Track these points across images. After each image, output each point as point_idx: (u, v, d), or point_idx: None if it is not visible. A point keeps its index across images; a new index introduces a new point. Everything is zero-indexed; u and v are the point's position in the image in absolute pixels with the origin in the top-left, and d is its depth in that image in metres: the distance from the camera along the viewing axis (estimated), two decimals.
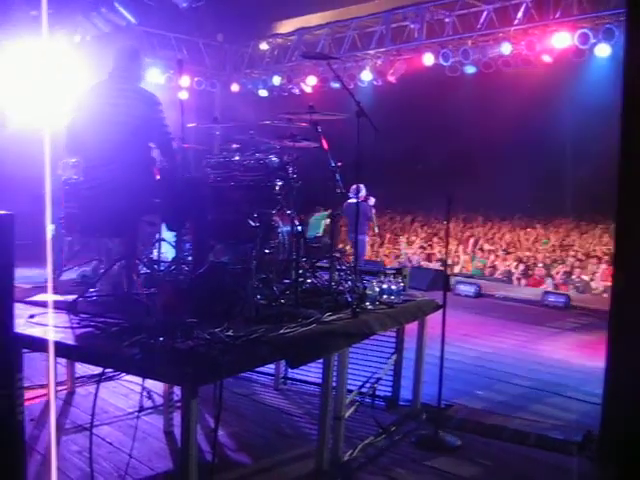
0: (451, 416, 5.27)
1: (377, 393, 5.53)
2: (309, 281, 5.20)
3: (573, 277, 15.11)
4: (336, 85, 14.45)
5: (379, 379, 5.40)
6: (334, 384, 4.32)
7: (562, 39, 10.73)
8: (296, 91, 15.55)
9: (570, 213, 22.43)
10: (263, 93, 15.94)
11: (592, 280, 14.89)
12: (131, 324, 3.75)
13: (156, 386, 5.36)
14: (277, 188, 5.10)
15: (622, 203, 4.76)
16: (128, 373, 4.98)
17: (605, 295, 13.46)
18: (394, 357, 5.52)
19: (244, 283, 4.38)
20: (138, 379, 5.05)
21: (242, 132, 5.86)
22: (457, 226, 22.72)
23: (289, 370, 5.96)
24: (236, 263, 4.91)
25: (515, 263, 16.99)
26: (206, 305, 4.10)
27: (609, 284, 14.24)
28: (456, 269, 17.09)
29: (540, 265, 16.47)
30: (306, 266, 5.21)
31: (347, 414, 4.58)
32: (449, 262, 17.89)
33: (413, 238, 20.92)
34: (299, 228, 5.08)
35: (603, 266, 15.76)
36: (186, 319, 3.62)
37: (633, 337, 4.66)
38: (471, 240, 20.12)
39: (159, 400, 5.32)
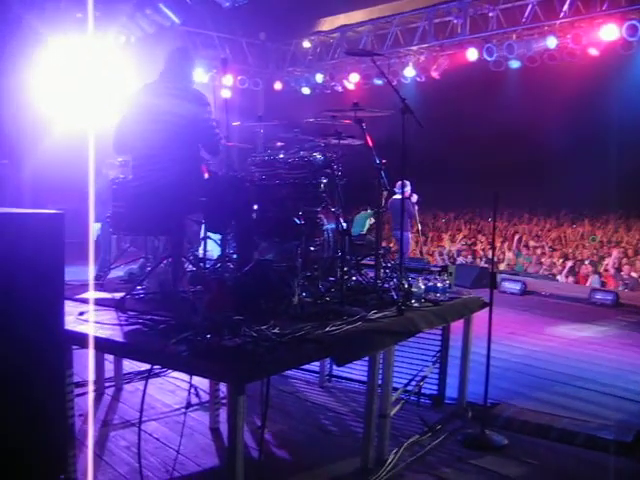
0: (497, 415, 5.21)
1: (423, 391, 5.50)
2: (354, 279, 5.19)
3: (622, 274, 14.83)
4: (379, 82, 14.41)
5: (425, 377, 5.37)
6: (380, 382, 4.31)
7: (610, 31, 10.51)
8: (339, 88, 15.54)
9: (618, 208, 21.98)
10: (306, 91, 15.96)
11: None
12: (178, 321, 3.79)
13: (203, 383, 5.41)
14: (322, 186, 5.10)
15: None
16: (175, 370, 5.04)
17: None
18: (439, 355, 5.48)
19: (290, 280, 4.39)
20: (185, 376, 5.10)
21: (286, 130, 5.87)
22: (502, 223, 22.47)
23: (334, 368, 5.96)
24: (281, 261, 4.93)
25: (561, 260, 16.74)
26: (252, 302, 4.11)
27: None
28: (501, 266, 16.90)
29: (587, 262, 16.20)
30: (351, 263, 5.20)
31: (393, 412, 4.57)
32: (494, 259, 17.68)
33: (457, 235, 20.76)
34: (344, 225, 5.07)
35: None
36: (232, 316, 3.64)
37: None
38: (516, 237, 19.88)
39: (205, 397, 5.37)
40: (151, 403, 5.33)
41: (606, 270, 15.34)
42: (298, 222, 4.83)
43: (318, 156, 5.30)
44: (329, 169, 5.16)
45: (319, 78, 15.34)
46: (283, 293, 4.32)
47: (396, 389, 4.89)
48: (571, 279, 15.10)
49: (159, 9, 10.02)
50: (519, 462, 4.49)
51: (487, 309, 5.04)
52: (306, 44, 15.49)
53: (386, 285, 5.01)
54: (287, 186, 5.07)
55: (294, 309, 4.26)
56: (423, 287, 4.89)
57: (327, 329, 3.84)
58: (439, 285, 5.04)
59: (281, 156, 5.40)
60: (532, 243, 18.40)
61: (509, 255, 17.54)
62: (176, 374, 5.84)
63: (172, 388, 5.74)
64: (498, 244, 19.74)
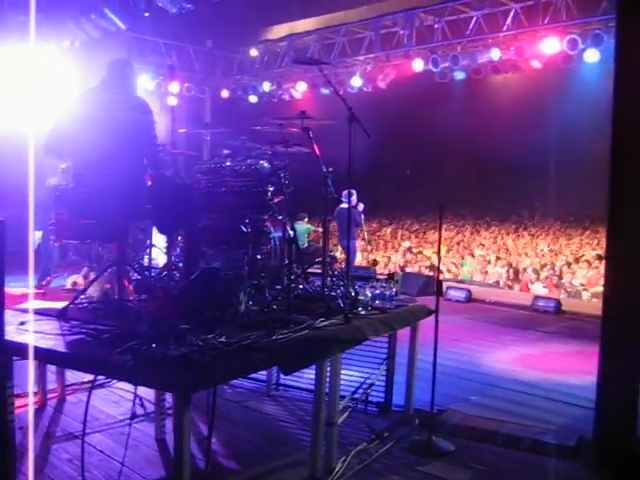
0: (444, 421, 5.25)
1: (370, 399, 5.51)
2: (301, 287, 5.19)
3: (563, 281, 15.17)
4: (326, 91, 14.49)
5: (372, 385, 5.39)
6: (327, 390, 4.30)
7: (551, 45, 10.77)
8: (286, 97, 15.58)
9: (560, 218, 22.51)
10: (253, 99, 15.94)
11: (582, 285, 14.96)
12: (122, 331, 3.72)
13: (148, 393, 5.32)
14: (269, 193, 5.09)
15: (614, 206, 4.80)
16: (120, 380, 4.95)
17: (595, 300, 13.50)
18: (386, 363, 5.51)
19: (236, 289, 4.36)
20: (130, 386, 5.01)
21: (233, 138, 5.85)
22: (448, 232, 22.77)
23: (281, 376, 5.94)
24: (228, 269, 4.89)
25: (505, 268, 17.04)
26: (198, 311, 4.07)
27: (598, 289, 14.34)
28: (446, 274, 17.11)
29: (530, 270, 16.53)
30: (298, 272, 5.19)
31: (340, 420, 4.56)
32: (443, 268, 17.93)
33: (402, 244, 20.96)
34: (291, 233, 5.06)
35: (593, 271, 15.83)
36: (178, 325, 3.60)
37: (625, 343, 4.70)
38: (461, 245, 20.17)
39: (151, 407, 5.28)
40: (95, 414, 5.21)
41: (548, 278, 15.68)
42: (245, 230, 4.81)
43: (265, 164, 5.29)
44: (276, 177, 5.15)
45: (266, 86, 15.34)
46: (230, 302, 4.28)
47: (343, 397, 4.88)
48: (514, 287, 15.39)
49: (104, 14, 9.89)
50: (466, 468, 4.53)
51: (433, 316, 5.08)
52: (253, 52, 15.47)
53: (333, 293, 5.02)
54: (234, 194, 5.05)
55: (241, 318, 4.23)
56: (370, 295, 4.91)
57: (274, 337, 3.82)
58: (386, 293, 5.07)
59: (228, 164, 5.37)
60: (477, 251, 18.69)
61: (454, 263, 17.80)
62: (121, 384, 5.72)
63: (116, 399, 5.62)
64: (443, 252, 20.01)
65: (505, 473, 4.53)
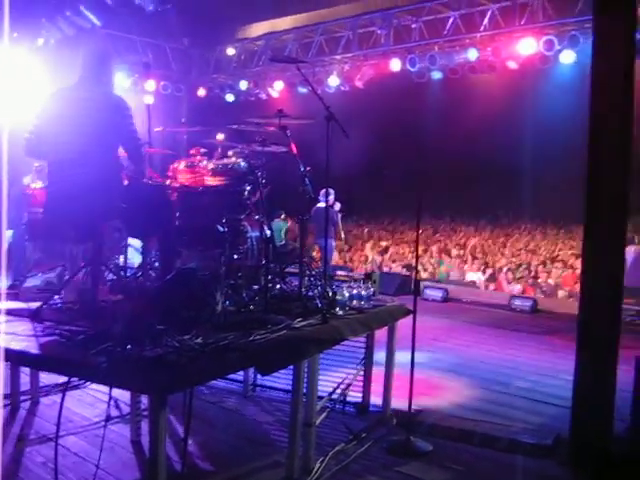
0: (421, 421, 5.25)
1: (347, 399, 5.50)
2: (278, 287, 5.16)
3: (539, 281, 15.29)
4: (303, 90, 14.45)
5: (349, 385, 5.37)
6: (304, 391, 4.28)
7: (528, 45, 10.82)
8: (263, 96, 15.51)
9: (534, 217, 22.66)
10: (230, 98, 15.86)
11: (557, 284, 15.08)
12: (97, 332, 3.66)
13: (123, 395, 5.27)
14: (246, 193, 5.05)
15: (591, 206, 4.83)
16: (95, 382, 4.88)
17: (571, 299, 13.62)
18: (364, 363, 5.49)
19: (213, 289, 4.31)
20: (105, 388, 4.94)
21: (210, 136, 5.80)
22: (425, 231, 22.84)
23: (259, 377, 5.90)
24: (204, 269, 4.84)
25: (482, 268, 17.13)
26: (174, 312, 4.02)
27: (574, 289, 14.46)
28: (423, 274, 17.16)
29: (506, 269, 16.63)
30: (275, 272, 5.16)
31: (318, 421, 4.54)
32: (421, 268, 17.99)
33: (380, 243, 20.98)
34: (268, 233, 5.03)
35: (568, 270, 15.97)
36: (154, 326, 3.55)
37: (600, 343, 4.73)
38: (438, 245, 20.23)
39: (126, 409, 5.23)
40: (69, 416, 5.15)
41: (524, 278, 15.79)
42: (222, 230, 4.76)
43: (242, 163, 5.25)
44: (253, 176, 5.11)
45: (243, 85, 15.26)
46: (206, 302, 4.24)
47: (321, 398, 4.86)
48: (491, 286, 15.48)
49: (80, 11, 9.77)
50: (444, 468, 4.54)
51: (410, 316, 5.08)
52: (230, 51, 15.37)
53: (310, 293, 4.99)
54: (210, 193, 5.00)
55: (217, 318, 4.19)
56: (347, 295, 4.89)
57: (251, 338, 3.79)
58: (363, 293, 5.05)
59: (204, 163, 5.32)
60: (454, 251, 18.77)
61: (431, 262, 17.86)
62: (95, 386, 5.65)
63: (91, 401, 5.56)
64: (420, 252, 20.06)
65: (482, 473, 4.54)
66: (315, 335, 4.17)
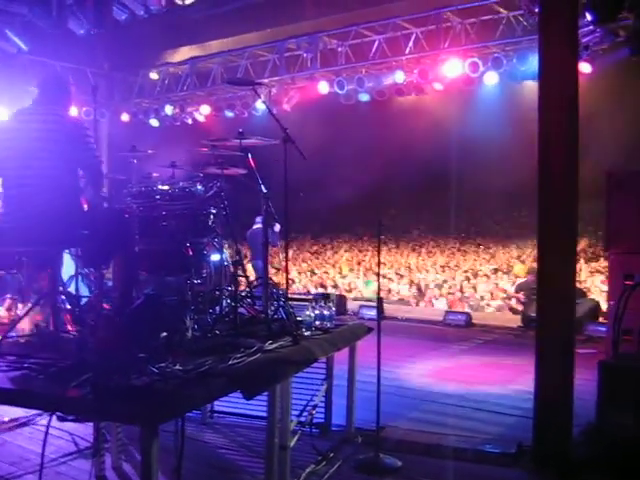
0: (386, 438, 5.28)
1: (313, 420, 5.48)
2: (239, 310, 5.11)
3: (467, 296, 15.68)
4: (230, 114, 14.41)
5: (315, 406, 5.35)
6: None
7: (453, 67, 11.11)
8: (189, 120, 15.37)
9: (457, 234, 23.24)
10: (154, 123, 15.63)
11: (483, 298, 15.51)
12: (72, 363, 3.54)
13: (77, 429, 5.10)
14: (211, 216, 4.99)
15: (543, 222, 5.02)
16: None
17: (498, 313, 14.04)
18: (325, 383, 5.49)
19: (182, 315, 4.24)
20: (57, 423, 4.74)
21: (160, 161, 5.72)
22: (349, 252, 23.09)
23: (215, 404, 5.80)
24: (163, 294, 4.74)
25: (408, 286, 17.45)
26: (147, 339, 3.93)
27: (500, 302, 14.91)
28: (352, 294, 17.32)
29: (432, 286, 17.00)
30: (235, 295, 5.11)
31: (292, 443, 4.51)
32: (346, 288, 18.15)
33: (306, 265, 21.10)
34: (226, 256, 5.00)
35: (492, 285, 16.45)
36: (136, 354, 3.46)
37: (558, 354, 4.92)
38: (362, 265, 20.49)
39: (83, 443, 5.05)
40: (24, 455, 4.92)
41: (450, 293, 16.16)
42: (187, 254, 4.69)
43: (199, 187, 5.19)
44: (215, 199, 5.06)
45: (169, 110, 15.07)
46: (176, 328, 4.16)
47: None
48: (421, 303, 15.78)
49: (6, 35, 9.46)
50: None
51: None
52: (154, 75, 15.17)
53: (274, 315, 4.97)
54: (173, 217, 4.91)
55: (188, 344, 4.12)
56: (313, 315, 4.90)
57: (230, 362, 3.74)
58: (326, 313, 5.07)
59: (160, 187, 5.23)
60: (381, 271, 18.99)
61: (359, 283, 18.07)
62: (44, 421, 5.43)
63: (43, 437, 5.32)
64: (346, 272, 20.25)
65: None
66: (291, 357, 4.15)
